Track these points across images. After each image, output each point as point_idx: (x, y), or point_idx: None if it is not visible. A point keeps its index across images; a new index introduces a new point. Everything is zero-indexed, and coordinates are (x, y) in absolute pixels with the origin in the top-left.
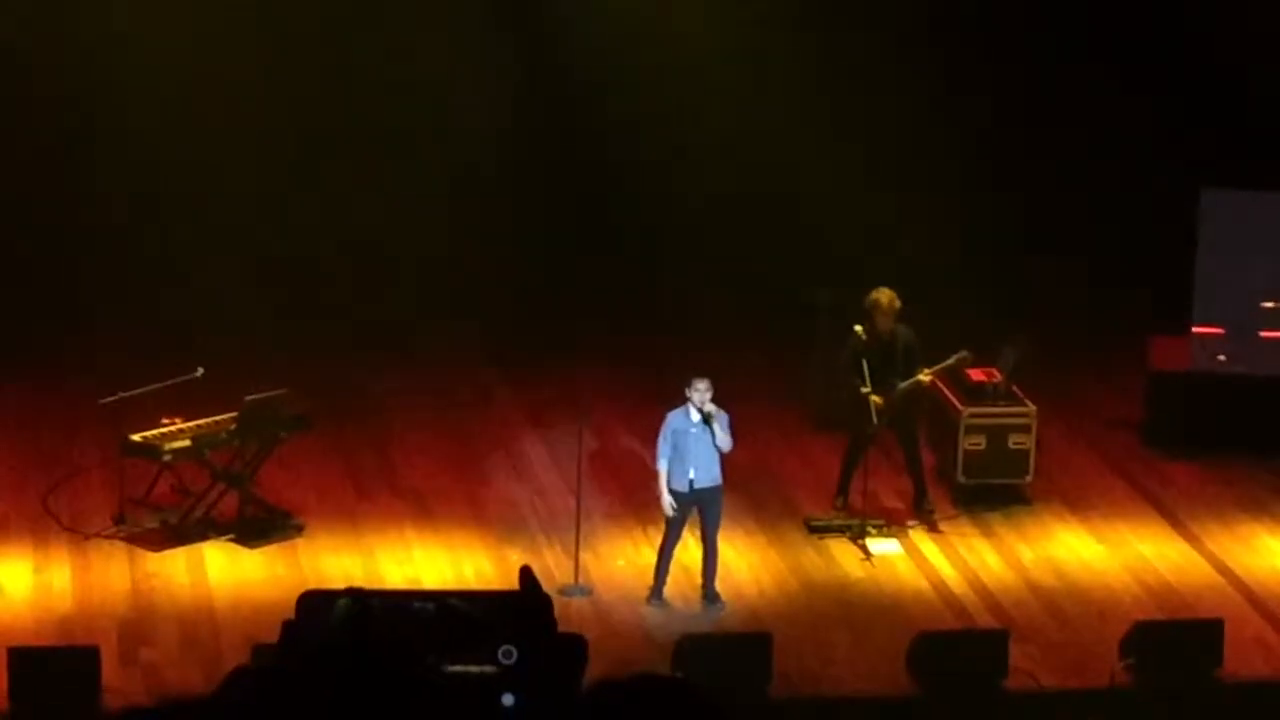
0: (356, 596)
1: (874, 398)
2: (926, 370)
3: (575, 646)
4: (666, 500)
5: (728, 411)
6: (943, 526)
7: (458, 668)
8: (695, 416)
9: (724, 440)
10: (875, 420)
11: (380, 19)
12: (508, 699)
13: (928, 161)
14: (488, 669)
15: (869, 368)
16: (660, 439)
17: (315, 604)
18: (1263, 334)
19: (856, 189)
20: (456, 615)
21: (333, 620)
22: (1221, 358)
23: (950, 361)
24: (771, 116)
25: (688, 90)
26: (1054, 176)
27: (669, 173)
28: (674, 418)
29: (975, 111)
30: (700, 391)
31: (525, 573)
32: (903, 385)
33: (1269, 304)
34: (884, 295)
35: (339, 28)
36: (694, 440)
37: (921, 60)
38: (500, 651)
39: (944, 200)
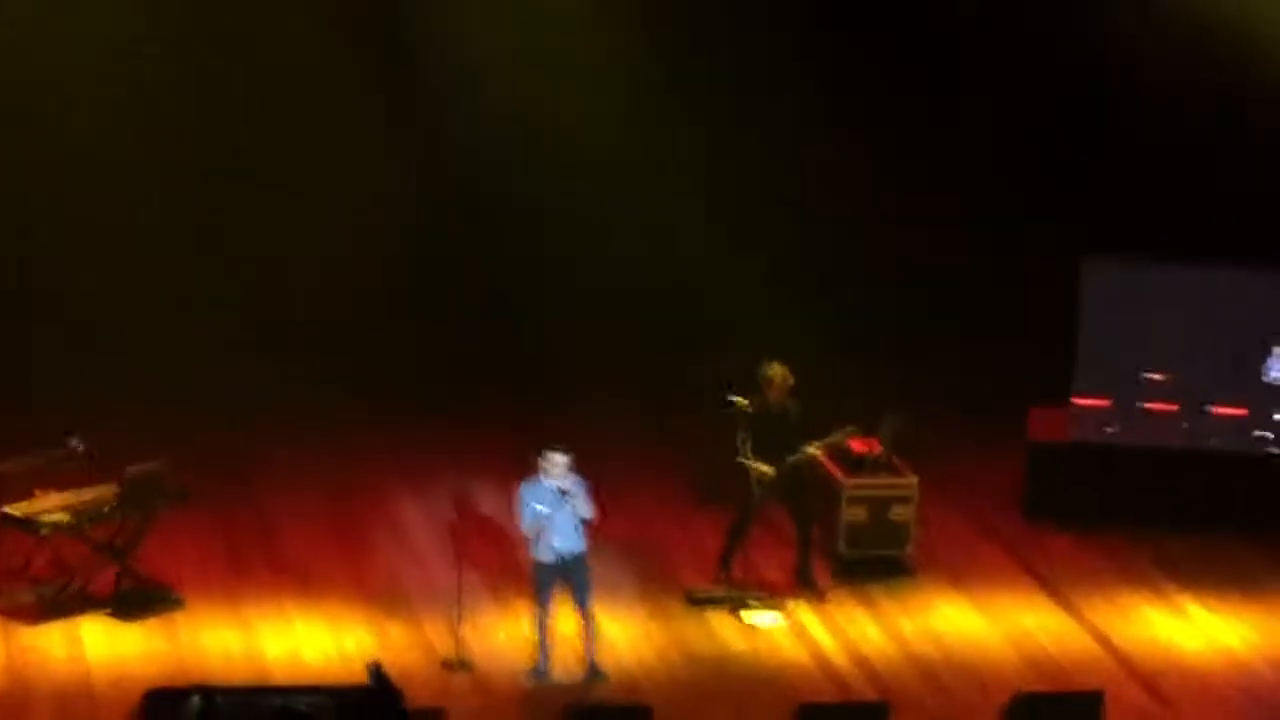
0: (205, 695)
1: (761, 467)
2: (814, 445)
3: None
4: (546, 542)
5: (597, 479)
6: (825, 598)
7: None
8: (552, 485)
9: (584, 509)
10: (756, 490)
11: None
12: None
13: (804, 229)
14: None
15: (757, 440)
16: (521, 509)
17: (161, 704)
18: (1146, 405)
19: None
20: (298, 716)
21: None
22: (1109, 429)
23: (837, 436)
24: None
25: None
26: (930, 248)
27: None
28: (527, 490)
29: (850, 178)
30: (557, 465)
31: (374, 669)
32: (791, 459)
33: (1154, 375)
34: (778, 370)
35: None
36: (555, 511)
37: (804, 124)
38: None
39: (816, 273)
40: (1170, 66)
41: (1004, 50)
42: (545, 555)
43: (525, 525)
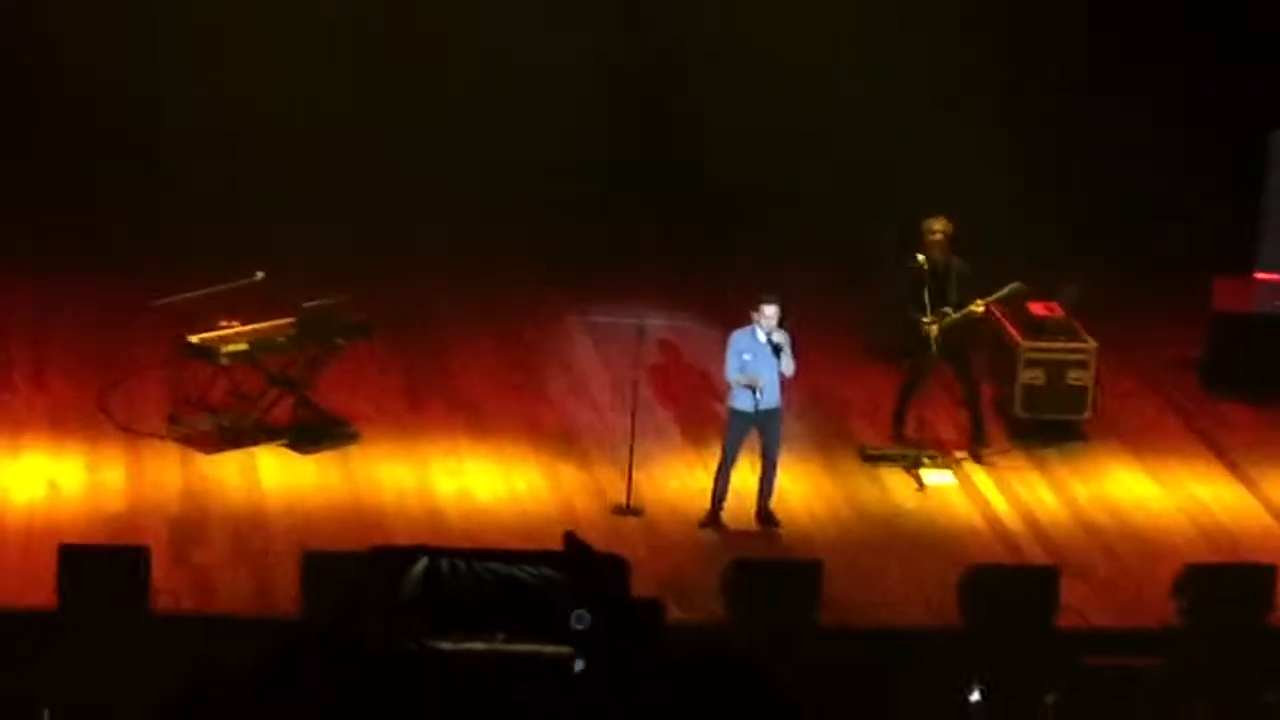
0: (430, 558)
1: (930, 326)
2: (980, 300)
3: (652, 612)
4: (757, 383)
5: (791, 335)
6: (998, 460)
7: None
8: (761, 338)
9: (789, 365)
10: (930, 349)
11: None
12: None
13: (990, 96)
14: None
15: (923, 296)
16: (728, 358)
17: (386, 562)
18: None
19: (920, 116)
20: (525, 588)
21: (406, 584)
22: (1273, 304)
23: (1004, 292)
24: (834, 48)
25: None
26: (1122, 116)
27: (734, 105)
28: (739, 339)
29: (1041, 48)
30: (768, 318)
31: (571, 539)
32: (955, 315)
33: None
34: (937, 224)
35: None
36: (759, 363)
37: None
38: (574, 616)
39: (1009, 134)
40: None
41: None
42: (744, 404)
43: (731, 373)
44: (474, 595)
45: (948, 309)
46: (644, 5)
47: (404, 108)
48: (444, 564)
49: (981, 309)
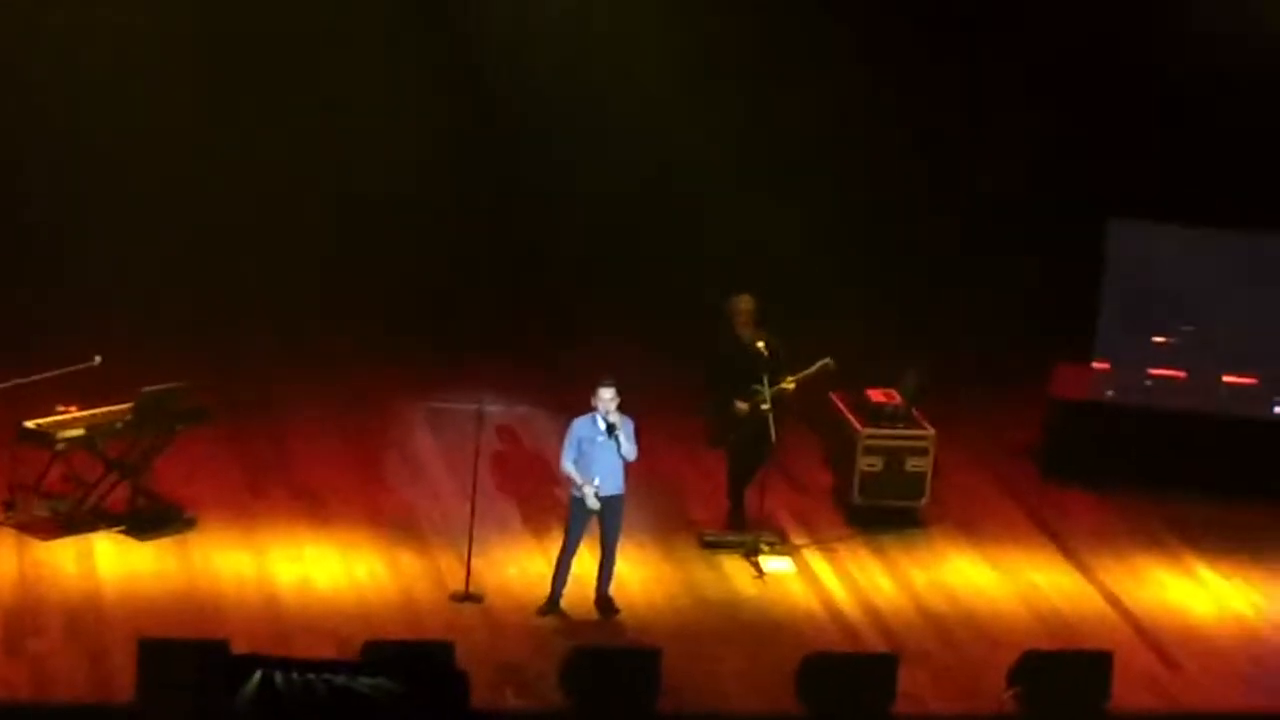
0: (264, 673)
1: (740, 405)
2: (790, 378)
3: None
4: (590, 491)
5: (632, 419)
6: (837, 547)
7: None
8: (601, 425)
9: (629, 450)
10: (739, 431)
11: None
12: None
13: (833, 179)
14: None
15: (736, 377)
16: (565, 445)
17: (220, 671)
18: (1162, 369)
19: (753, 192)
20: (359, 700)
21: (240, 698)
22: (1127, 391)
23: (813, 369)
24: (673, 119)
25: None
26: (960, 204)
27: (576, 181)
28: (580, 425)
29: (882, 136)
30: (606, 400)
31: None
32: (767, 393)
33: (1159, 339)
34: (743, 302)
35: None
36: (599, 449)
37: (841, 79)
38: None
39: (848, 223)
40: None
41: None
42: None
43: (566, 462)
44: (309, 709)
45: (758, 387)
46: (486, 78)
47: (242, 184)
48: (279, 677)
49: (792, 386)
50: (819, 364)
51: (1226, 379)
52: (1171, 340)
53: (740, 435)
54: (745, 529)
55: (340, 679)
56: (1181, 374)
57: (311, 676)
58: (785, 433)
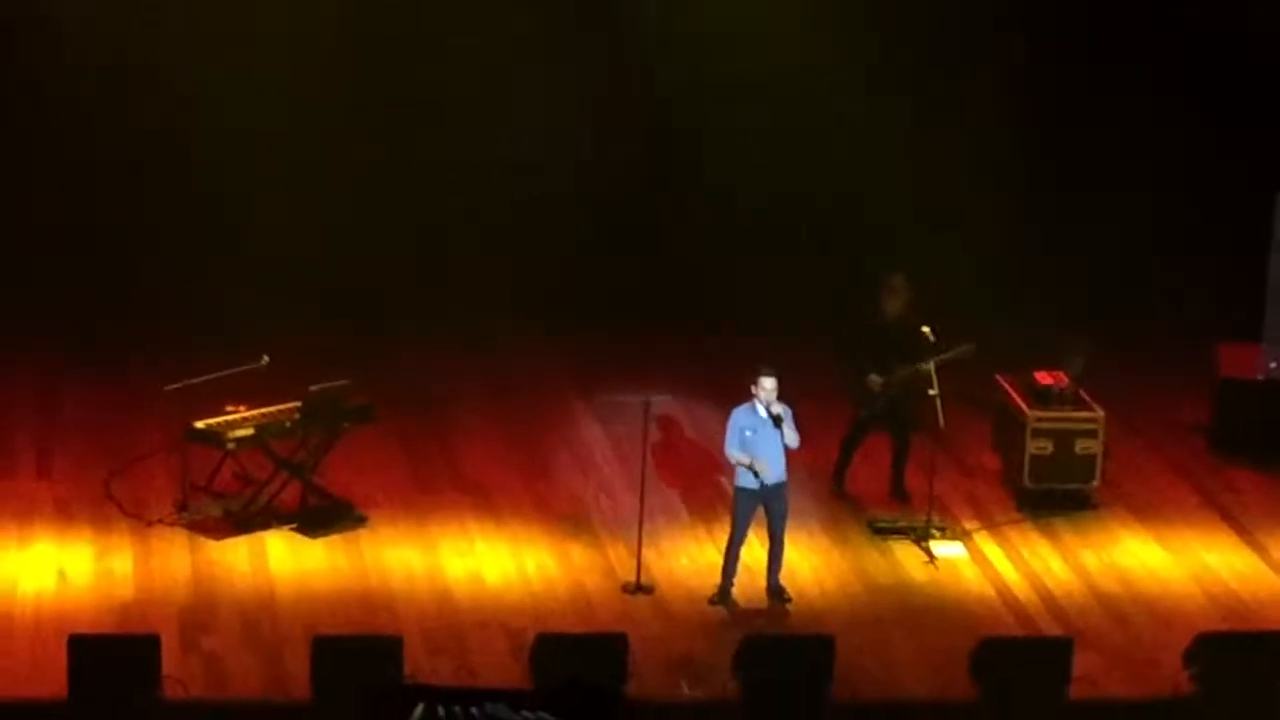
0: (427, 706)
1: (875, 381)
2: (928, 360)
3: None
4: (760, 466)
5: (792, 406)
6: (1008, 531)
7: None
8: (762, 413)
9: (792, 438)
10: (876, 404)
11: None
12: None
13: (998, 164)
14: None
15: (874, 351)
16: (729, 434)
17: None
18: None
19: (932, 188)
20: None
21: None
22: (1273, 365)
23: (952, 354)
24: (840, 115)
25: (755, 90)
26: (1126, 180)
27: (739, 172)
28: (740, 415)
29: (1045, 112)
30: (767, 390)
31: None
32: (901, 371)
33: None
34: (896, 279)
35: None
36: (762, 437)
37: (994, 64)
38: None
39: (1017, 200)
40: None
41: None
42: (749, 481)
43: (732, 450)
44: None
45: (898, 366)
46: (640, 69)
47: (396, 185)
48: (440, 709)
49: (929, 369)
50: (960, 349)
51: None
52: None
53: (873, 410)
54: (907, 502)
55: (503, 709)
56: None
57: (474, 710)
58: (924, 413)
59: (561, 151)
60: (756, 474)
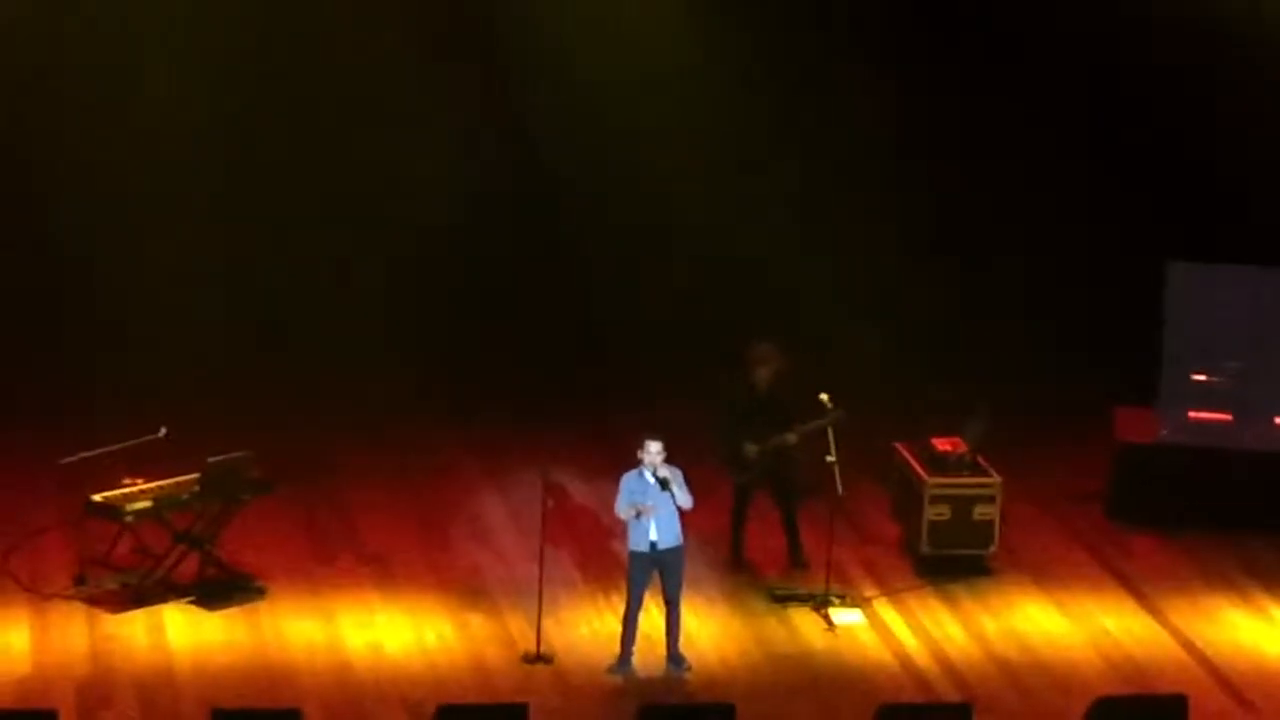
0: None
1: (748, 447)
2: (798, 428)
3: None
4: (632, 512)
5: (685, 469)
6: (907, 597)
7: None
8: (649, 478)
9: (684, 499)
10: (751, 473)
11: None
12: None
13: (889, 226)
14: None
15: (745, 422)
16: (619, 500)
17: None
18: (1190, 414)
19: (821, 251)
20: None
21: None
22: (1173, 435)
23: (822, 421)
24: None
25: (645, 153)
26: (1021, 247)
27: (630, 236)
28: (629, 480)
29: (943, 177)
30: (652, 454)
31: None
32: (771, 442)
33: (1210, 379)
34: (764, 350)
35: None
36: (652, 501)
37: (890, 123)
38: None
39: (909, 266)
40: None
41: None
42: (641, 544)
43: (621, 507)
44: None
45: (771, 434)
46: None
47: (298, 253)
48: None
49: (794, 439)
50: (828, 416)
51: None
52: (1224, 381)
53: (750, 477)
54: (805, 569)
55: None
56: (1227, 416)
57: None
58: (820, 480)
59: (451, 220)
60: (647, 524)
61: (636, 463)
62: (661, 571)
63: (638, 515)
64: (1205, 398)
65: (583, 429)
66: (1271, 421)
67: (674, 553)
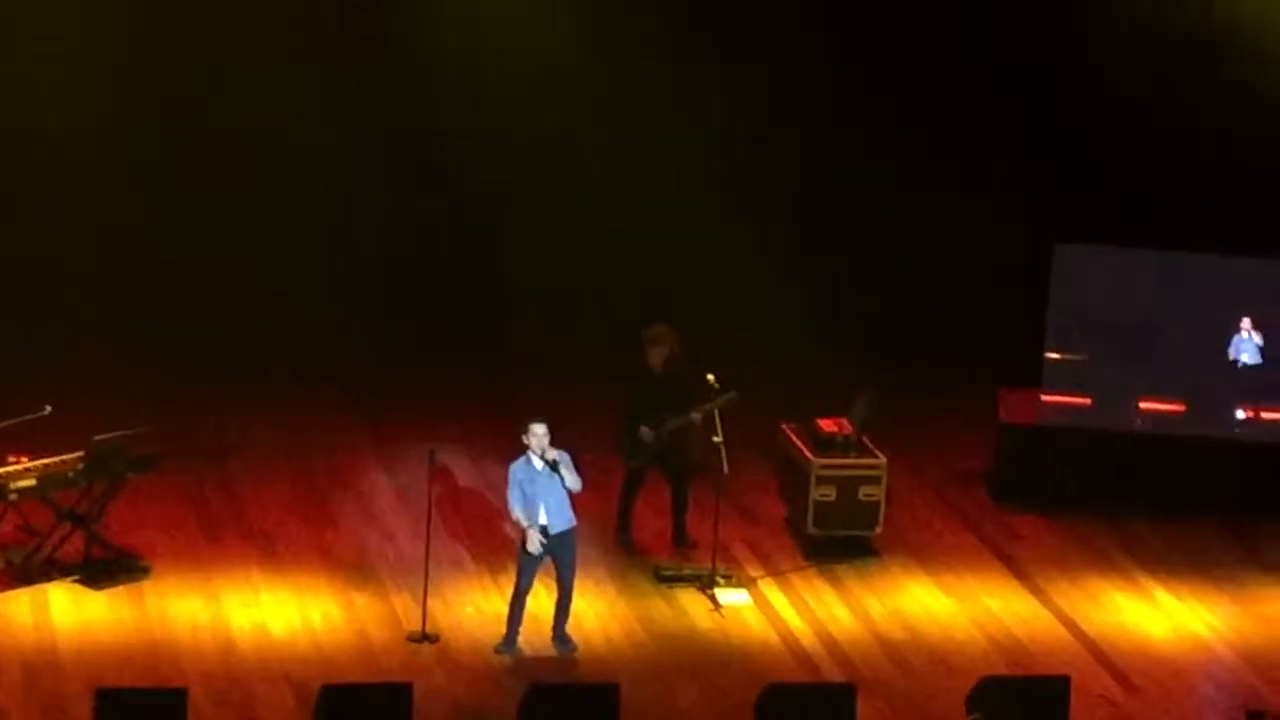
0: None
1: (644, 430)
2: (697, 409)
3: None
4: (534, 537)
5: (575, 452)
6: (792, 578)
7: None
8: (537, 463)
9: (573, 481)
10: (636, 455)
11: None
12: None
13: (786, 220)
14: None
15: (644, 403)
16: (509, 491)
17: None
18: (1044, 397)
19: (711, 233)
20: None
21: None
22: (1078, 413)
23: (718, 402)
24: (619, 152)
25: (530, 129)
26: (913, 229)
27: (515, 227)
28: (517, 469)
29: (836, 169)
30: (538, 436)
31: None
32: (671, 422)
33: (1053, 355)
34: (655, 330)
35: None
36: (542, 486)
37: (782, 117)
38: None
39: (798, 250)
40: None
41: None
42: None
43: (515, 507)
44: None
45: (667, 416)
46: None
47: (189, 225)
48: None
49: (699, 418)
50: (724, 397)
51: (1143, 404)
52: (1084, 363)
53: (644, 460)
54: (691, 549)
55: None
56: (1086, 400)
57: None
58: (708, 460)
59: (343, 206)
60: (540, 534)
61: (525, 448)
62: (554, 555)
63: (534, 533)
64: (1075, 380)
65: (476, 408)
66: (1134, 404)
67: (567, 534)
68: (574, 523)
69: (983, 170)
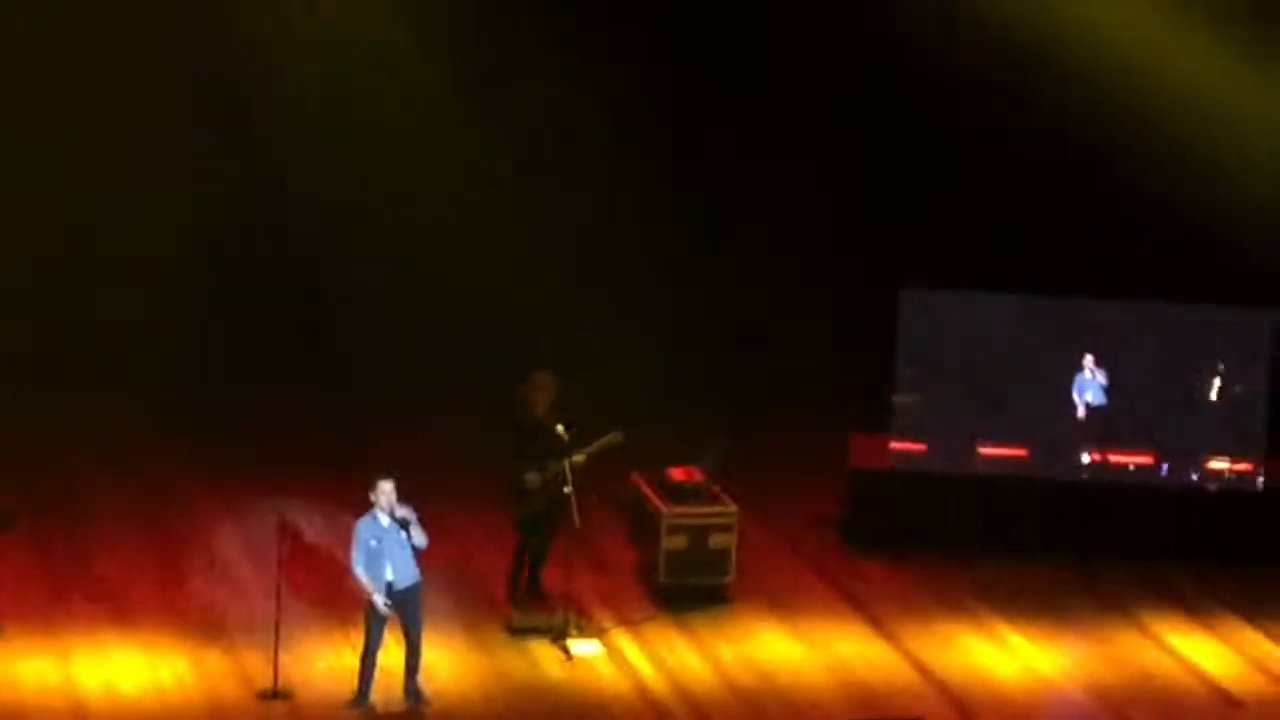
0: None
1: (530, 477)
2: (579, 453)
3: None
4: (380, 601)
5: (423, 506)
6: (644, 627)
7: None
8: (384, 520)
9: (420, 538)
10: (526, 503)
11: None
12: None
13: (632, 257)
14: None
15: (529, 450)
16: (353, 550)
17: None
18: (892, 444)
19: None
20: None
21: None
22: (926, 457)
23: (600, 443)
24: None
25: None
26: (753, 277)
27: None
28: (363, 526)
29: (685, 204)
30: (386, 493)
31: None
32: (555, 467)
33: (899, 398)
34: (539, 377)
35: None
36: (389, 542)
37: (622, 153)
38: None
39: (649, 294)
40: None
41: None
42: (379, 588)
43: (358, 568)
44: None
45: (552, 462)
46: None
47: (31, 288)
48: None
49: (582, 460)
50: (607, 438)
51: (983, 450)
52: (923, 407)
53: (533, 511)
54: (543, 599)
55: None
56: (921, 446)
57: None
58: (587, 509)
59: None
60: (383, 595)
61: (370, 505)
62: (400, 611)
63: (377, 592)
64: (918, 424)
65: (325, 462)
66: (973, 449)
67: (412, 590)
68: (419, 578)
69: (832, 219)
